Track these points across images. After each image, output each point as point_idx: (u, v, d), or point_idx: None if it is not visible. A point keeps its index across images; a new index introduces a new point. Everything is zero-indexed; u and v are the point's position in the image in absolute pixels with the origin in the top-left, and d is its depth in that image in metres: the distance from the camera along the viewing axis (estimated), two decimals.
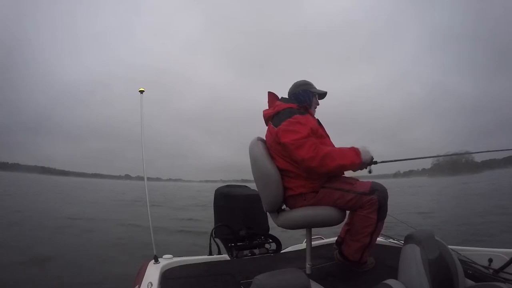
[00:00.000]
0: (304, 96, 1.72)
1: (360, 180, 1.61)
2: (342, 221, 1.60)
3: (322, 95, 1.77)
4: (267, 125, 1.73)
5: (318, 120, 1.74)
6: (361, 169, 1.54)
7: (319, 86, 1.76)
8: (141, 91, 1.99)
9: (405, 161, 1.81)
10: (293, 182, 1.58)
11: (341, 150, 1.51)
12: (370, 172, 1.59)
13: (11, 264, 3.93)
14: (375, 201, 1.46)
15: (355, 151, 1.50)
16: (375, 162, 1.58)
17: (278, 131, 1.55)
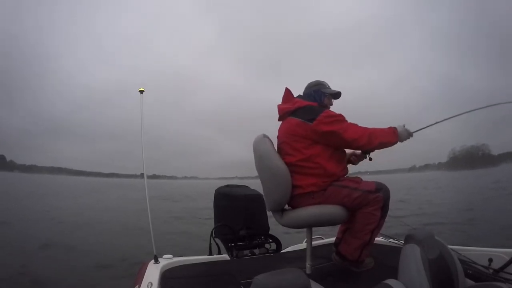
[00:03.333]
0: (316, 96, 1.73)
1: (363, 179, 1.63)
2: (346, 219, 1.60)
3: (335, 94, 1.77)
4: (281, 119, 1.74)
5: None
6: (400, 142, 1.64)
7: (329, 84, 1.76)
8: (141, 91, 1.99)
9: (439, 124, 1.83)
10: (303, 180, 1.57)
11: (382, 130, 1.62)
12: (370, 159, 1.76)
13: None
14: (381, 199, 1.52)
15: (393, 131, 1.61)
16: (411, 135, 1.67)
17: (317, 124, 1.56)
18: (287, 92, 1.75)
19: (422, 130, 1.72)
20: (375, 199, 1.52)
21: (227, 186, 2.38)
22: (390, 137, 1.59)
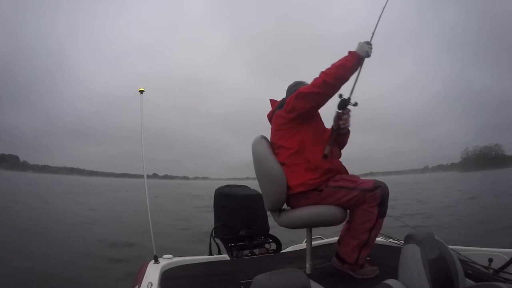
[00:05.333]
0: None
1: (362, 178, 1.60)
2: (344, 220, 1.58)
3: None
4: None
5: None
6: (367, 57, 1.55)
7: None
8: (141, 91, 1.98)
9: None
10: (294, 179, 1.57)
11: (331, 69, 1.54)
12: (355, 104, 1.60)
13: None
14: (378, 196, 1.48)
15: (349, 52, 1.55)
16: (369, 43, 1.57)
17: (287, 104, 1.60)
18: (271, 101, 1.84)
19: (374, 34, 1.63)
20: (372, 197, 1.48)
21: (227, 186, 2.38)
22: (346, 58, 1.53)
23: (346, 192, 1.52)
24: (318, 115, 1.70)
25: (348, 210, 1.58)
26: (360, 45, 1.56)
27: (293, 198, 1.59)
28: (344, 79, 1.52)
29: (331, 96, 1.56)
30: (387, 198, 1.51)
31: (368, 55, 1.55)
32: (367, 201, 1.48)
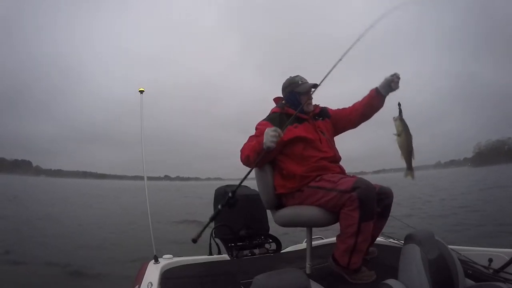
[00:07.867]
0: (292, 99, 1.71)
1: (351, 176, 1.55)
2: (334, 223, 1.52)
3: (311, 87, 1.67)
4: None
5: (321, 113, 1.75)
6: (269, 148, 1.42)
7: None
8: (141, 91, 1.99)
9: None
10: (277, 181, 1.66)
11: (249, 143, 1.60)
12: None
13: None
14: (355, 198, 1.37)
15: (256, 138, 1.56)
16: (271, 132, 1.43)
17: None
18: (275, 100, 1.83)
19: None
20: (349, 199, 1.38)
21: (227, 186, 2.37)
22: (253, 143, 1.53)
23: (325, 193, 1.47)
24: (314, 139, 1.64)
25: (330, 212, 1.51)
26: (266, 135, 1.42)
27: (284, 198, 1.65)
28: (249, 161, 1.52)
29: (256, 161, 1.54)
30: (370, 201, 1.38)
31: (269, 147, 1.41)
32: (346, 203, 1.39)
